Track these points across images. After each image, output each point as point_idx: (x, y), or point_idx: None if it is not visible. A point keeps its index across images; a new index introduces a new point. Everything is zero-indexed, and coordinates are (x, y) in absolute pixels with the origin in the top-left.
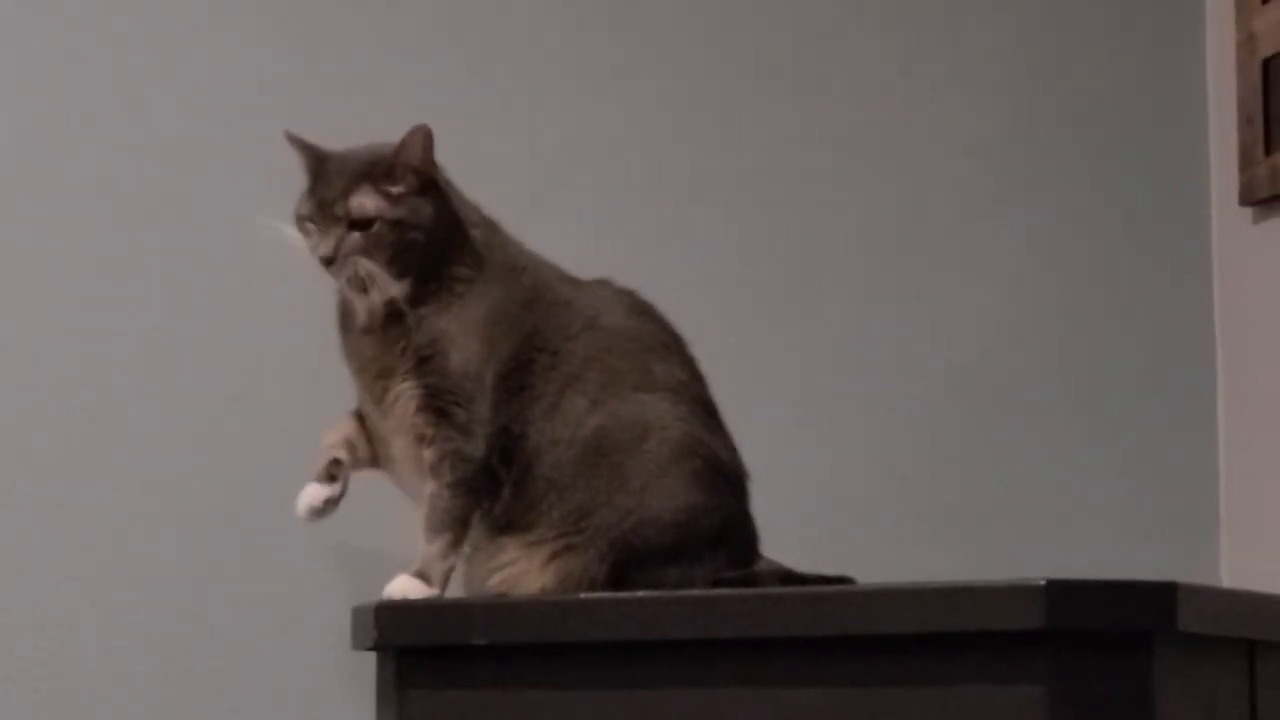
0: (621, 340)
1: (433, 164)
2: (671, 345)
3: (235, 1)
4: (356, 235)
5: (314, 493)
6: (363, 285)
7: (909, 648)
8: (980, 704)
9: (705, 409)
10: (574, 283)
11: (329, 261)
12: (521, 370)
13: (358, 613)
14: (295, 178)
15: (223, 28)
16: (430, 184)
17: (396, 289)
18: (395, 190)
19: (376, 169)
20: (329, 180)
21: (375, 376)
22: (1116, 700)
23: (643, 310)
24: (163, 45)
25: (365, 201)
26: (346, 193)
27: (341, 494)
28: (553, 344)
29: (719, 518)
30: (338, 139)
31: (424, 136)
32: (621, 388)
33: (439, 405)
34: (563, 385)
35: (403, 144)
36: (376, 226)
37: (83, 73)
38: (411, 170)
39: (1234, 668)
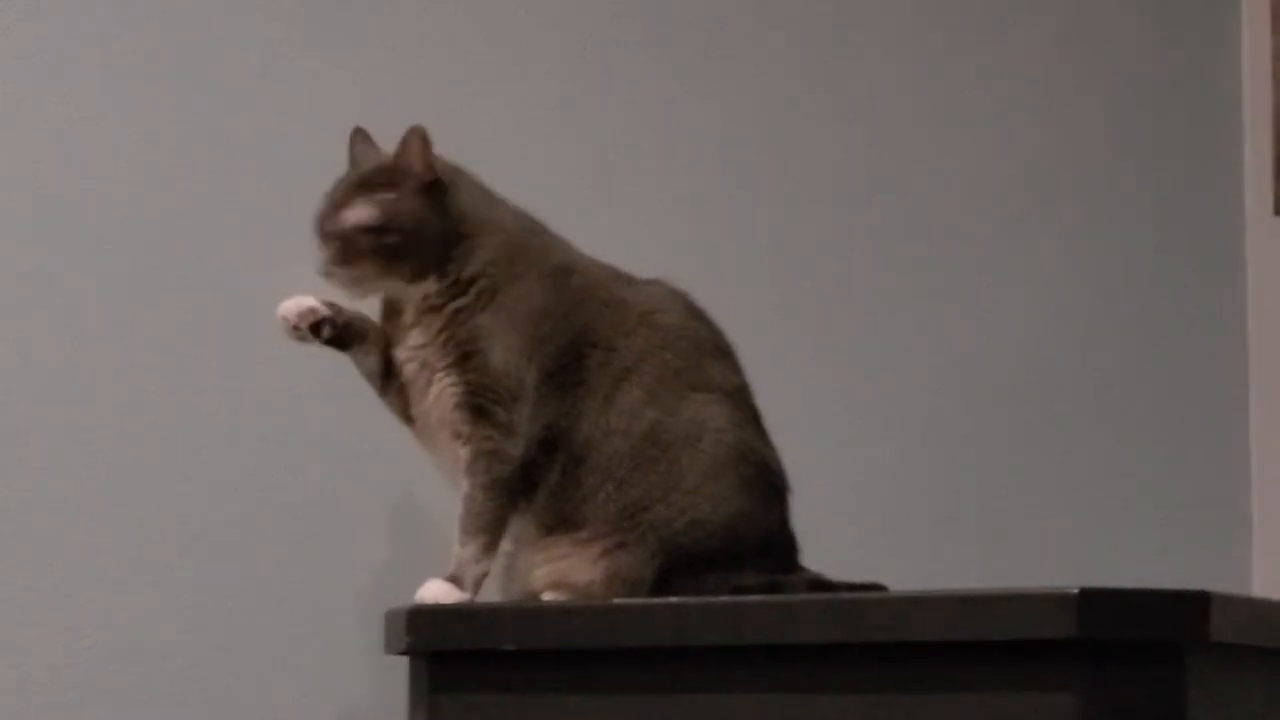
0: (677, 339)
1: (431, 164)
2: (724, 349)
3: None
4: (336, 245)
5: (299, 300)
6: (363, 291)
7: (940, 655)
8: (1011, 713)
9: (755, 417)
10: (628, 281)
11: (325, 276)
12: (573, 366)
13: (390, 617)
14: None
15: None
16: (430, 184)
17: (416, 290)
18: (387, 196)
19: (373, 178)
20: (329, 196)
21: (420, 366)
22: (1148, 710)
23: (697, 313)
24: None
25: (348, 214)
26: (337, 208)
27: (333, 322)
28: (606, 340)
29: (765, 527)
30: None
31: (420, 137)
32: (678, 385)
33: (478, 403)
34: (618, 378)
35: (401, 148)
36: (352, 235)
37: (116, 78)
38: (409, 173)
39: (1266, 678)
